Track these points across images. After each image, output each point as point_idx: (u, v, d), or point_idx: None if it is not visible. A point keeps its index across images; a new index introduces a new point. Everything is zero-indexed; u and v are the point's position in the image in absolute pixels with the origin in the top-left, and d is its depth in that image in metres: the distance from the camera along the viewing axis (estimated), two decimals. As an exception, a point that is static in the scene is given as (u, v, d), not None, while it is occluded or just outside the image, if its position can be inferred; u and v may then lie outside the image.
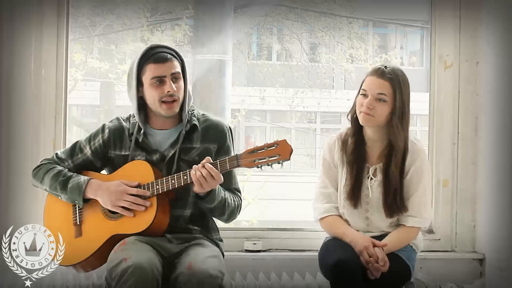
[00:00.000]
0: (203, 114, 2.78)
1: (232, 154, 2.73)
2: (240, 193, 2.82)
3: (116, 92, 6.12)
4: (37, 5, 3.13)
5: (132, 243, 2.52)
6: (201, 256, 2.50)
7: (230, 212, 2.71)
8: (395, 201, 2.74)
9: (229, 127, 2.79)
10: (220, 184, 2.68)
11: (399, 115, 2.71)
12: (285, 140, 2.51)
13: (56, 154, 2.78)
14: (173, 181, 2.57)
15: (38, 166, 2.76)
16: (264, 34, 7.69)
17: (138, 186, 2.62)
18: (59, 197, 2.69)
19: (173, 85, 2.62)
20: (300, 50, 8.03)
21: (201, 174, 2.51)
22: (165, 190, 2.58)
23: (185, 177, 2.57)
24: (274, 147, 2.50)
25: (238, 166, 2.53)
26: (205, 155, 2.66)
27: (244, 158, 2.51)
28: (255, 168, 2.52)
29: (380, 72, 2.72)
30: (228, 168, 2.54)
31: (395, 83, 2.70)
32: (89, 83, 5.83)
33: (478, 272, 3.28)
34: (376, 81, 2.71)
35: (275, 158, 2.48)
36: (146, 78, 2.64)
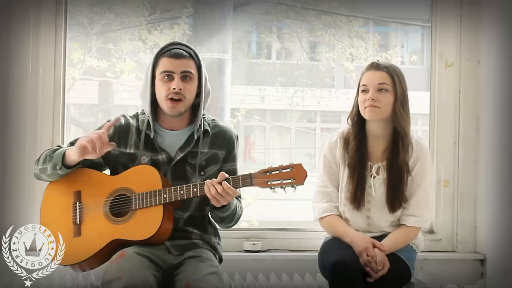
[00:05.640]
0: (213, 120, 2.77)
1: (237, 161, 2.75)
2: (240, 197, 2.80)
3: (115, 91, 6.11)
4: (35, 3, 3.13)
5: (129, 259, 2.48)
6: (199, 274, 2.48)
7: (236, 219, 2.73)
8: (398, 195, 2.75)
9: (237, 135, 2.78)
10: None
11: (401, 101, 2.74)
12: (300, 164, 2.51)
13: (59, 146, 2.74)
14: (181, 191, 2.55)
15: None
16: (264, 32, 7.67)
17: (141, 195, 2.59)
18: (46, 170, 2.63)
19: (181, 83, 2.60)
20: (300, 49, 8.01)
21: (217, 192, 2.50)
22: (172, 200, 2.56)
23: (195, 190, 2.54)
24: (288, 170, 2.49)
25: (251, 185, 2.52)
26: (212, 160, 2.67)
27: (258, 177, 2.50)
28: (268, 189, 2.51)
29: (375, 66, 2.78)
30: (240, 186, 2.53)
31: (392, 72, 2.75)
32: (87, 82, 5.80)
33: (479, 273, 3.28)
34: (374, 74, 2.76)
35: (289, 181, 2.49)
36: (158, 72, 2.64)
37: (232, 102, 5.45)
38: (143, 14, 5.44)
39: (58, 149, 2.67)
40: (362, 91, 2.76)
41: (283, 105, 7.82)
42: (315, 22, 6.68)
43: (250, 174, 2.52)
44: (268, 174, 2.50)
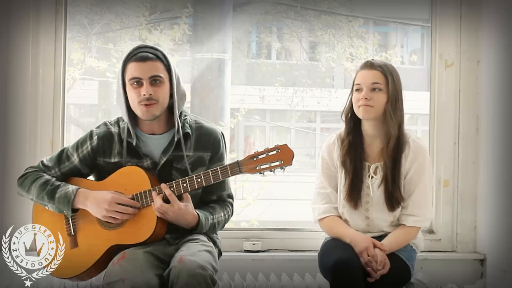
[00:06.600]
0: (196, 121, 2.72)
1: (225, 160, 2.72)
2: (232, 199, 2.78)
3: (114, 92, 6.13)
4: (35, 3, 3.12)
5: (131, 260, 2.44)
6: (193, 250, 2.47)
7: (220, 227, 2.71)
8: (395, 194, 2.74)
9: (222, 133, 2.75)
10: (212, 191, 2.68)
11: (391, 102, 2.73)
12: (286, 144, 2.47)
13: (42, 161, 2.72)
14: (171, 188, 2.53)
15: (24, 174, 2.70)
16: (264, 32, 7.69)
17: (132, 198, 2.58)
18: (46, 207, 2.64)
19: (151, 88, 2.56)
20: (300, 49, 8.03)
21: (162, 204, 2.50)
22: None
23: (184, 185, 2.52)
24: (275, 152, 2.46)
25: (240, 172, 2.48)
26: (198, 163, 2.65)
27: (246, 164, 2.47)
28: (257, 174, 2.48)
29: (369, 64, 2.77)
30: (230, 175, 2.50)
31: (386, 71, 2.74)
32: (87, 82, 5.82)
33: (479, 273, 3.28)
34: (368, 73, 2.75)
35: (277, 164, 2.45)
36: (127, 78, 2.60)
37: (232, 102, 5.45)
38: (143, 14, 5.46)
39: (48, 180, 2.64)
40: (356, 90, 2.77)
41: (283, 105, 7.83)
42: (315, 22, 6.69)
43: (237, 162, 2.49)
44: (255, 159, 2.46)
